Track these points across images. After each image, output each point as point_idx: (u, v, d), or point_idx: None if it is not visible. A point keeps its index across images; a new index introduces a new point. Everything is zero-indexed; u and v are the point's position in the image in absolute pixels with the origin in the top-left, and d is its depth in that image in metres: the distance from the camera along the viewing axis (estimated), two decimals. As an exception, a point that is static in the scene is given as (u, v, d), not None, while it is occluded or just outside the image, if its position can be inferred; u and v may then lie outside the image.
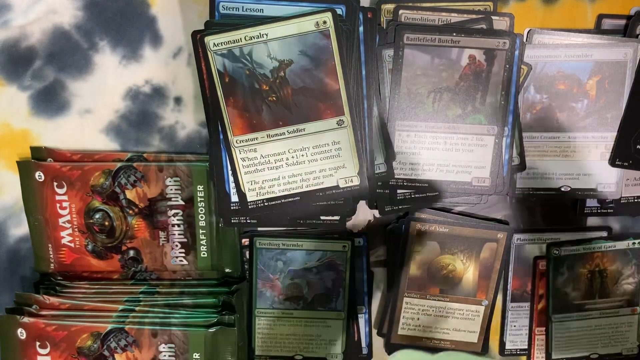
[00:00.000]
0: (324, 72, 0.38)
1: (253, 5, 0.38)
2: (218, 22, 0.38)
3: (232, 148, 0.38)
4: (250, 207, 0.39)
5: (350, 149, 0.38)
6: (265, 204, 0.39)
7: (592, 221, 0.44)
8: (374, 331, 0.44)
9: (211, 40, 0.37)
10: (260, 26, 0.37)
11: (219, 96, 0.38)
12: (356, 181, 0.39)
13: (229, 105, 0.38)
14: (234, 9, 0.38)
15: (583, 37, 0.41)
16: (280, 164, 0.38)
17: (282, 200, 0.39)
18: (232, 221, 0.40)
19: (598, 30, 0.42)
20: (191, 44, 0.38)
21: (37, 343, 0.39)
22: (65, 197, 0.41)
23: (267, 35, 0.37)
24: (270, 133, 0.38)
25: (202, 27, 0.38)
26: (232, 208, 0.39)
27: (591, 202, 0.43)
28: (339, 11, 0.37)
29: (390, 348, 0.44)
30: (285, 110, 0.38)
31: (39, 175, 0.40)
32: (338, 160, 0.39)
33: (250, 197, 0.39)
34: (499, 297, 0.44)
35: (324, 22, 0.37)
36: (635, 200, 0.43)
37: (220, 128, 0.38)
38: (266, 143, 0.38)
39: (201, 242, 0.42)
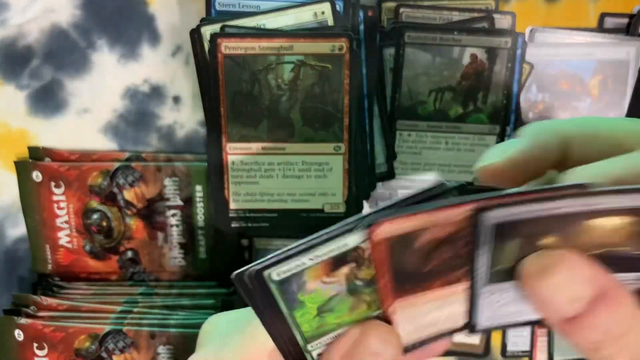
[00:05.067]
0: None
1: (249, 1, 0.38)
2: (214, 19, 0.37)
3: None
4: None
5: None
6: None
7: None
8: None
9: (207, 32, 0.37)
10: (258, 16, 0.37)
11: (219, 97, 0.37)
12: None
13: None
14: (230, 6, 0.38)
15: (585, 35, 0.40)
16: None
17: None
18: (232, 225, 0.40)
19: (600, 29, 0.41)
20: (189, 44, 0.37)
21: (35, 344, 0.38)
22: (62, 198, 0.40)
23: (264, 25, 0.37)
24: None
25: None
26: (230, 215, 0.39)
27: (594, 203, 0.43)
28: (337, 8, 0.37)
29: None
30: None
31: (37, 175, 0.40)
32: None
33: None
34: (501, 298, 0.44)
35: (322, 13, 0.37)
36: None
37: (216, 131, 0.38)
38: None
39: (200, 242, 0.41)
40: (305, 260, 0.19)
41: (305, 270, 0.20)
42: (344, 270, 0.20)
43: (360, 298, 0.21)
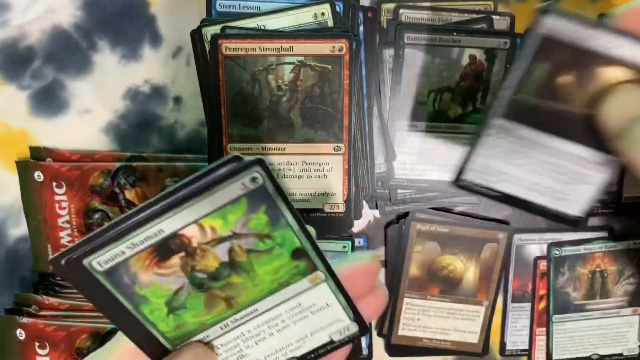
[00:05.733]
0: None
1: (250, 3, 0.38)
2: (214, 20, 0.37)
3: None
4: None
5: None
6: None
7: (593, 221, 0.44)
8: (374, 332, 0.44)
9: (208, 33, 0.37)
10: (258, 17, 0.37)
11: (219, 97, 0.37)
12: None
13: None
14: (231, 7, 0.38)
15: (584, 36, 0.41)
16: None
17: None
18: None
19: (599, 29, 0.42)
20: (190, 44, 0.37)
21: (37, 344, 0.39)
22: (64, 197, 0.40)
23: (264, 26, 0.37)
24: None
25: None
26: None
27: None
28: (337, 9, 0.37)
29: (391, 349, 0.44)
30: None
31: (38, 175, 0.40)
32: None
33: None
34: (500, 298, 0.44)
35: (322, 14, 0.37)
36: (637, 201, 0.43)
37: (216, 132, 0.38)
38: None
39: (201, 242, 0.41)
40: (123, 248, 0.18)
41: (129, 260, 0.19)
42: (175, 260, 0.19)
43: (213, 294, 0.20)
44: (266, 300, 0.21)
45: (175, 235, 0.18)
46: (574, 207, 0.30)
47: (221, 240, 0.19)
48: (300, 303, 0.21)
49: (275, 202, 0.19)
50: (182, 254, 0.19)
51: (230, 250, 0.19)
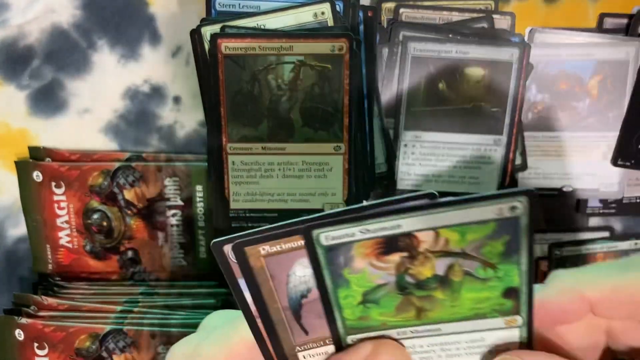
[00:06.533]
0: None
1: (249, 2, 0.38)
2: (214, 19, 0.37)
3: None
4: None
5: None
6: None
7: (594, 222, 0.44)
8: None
9: (208, 32, 0.37)
10: (258, 17, 0.37)
11: (219, 97, 0.37)
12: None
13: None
14: (231, 7, 0.38)
15: (585, 36, 0.40)
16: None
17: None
18: (233, 225, 0.40)
19: (600, 29, 0.41)
20: (190, 44, 0.37)
21: (35, 344, 0.39)
22: (63, 197, 0.40)
23: (264, 25, 0.37)
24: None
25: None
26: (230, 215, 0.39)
27: (593, 203, 0.43)
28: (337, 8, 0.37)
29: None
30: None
31: (37, 175, 0.40)
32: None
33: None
34: (500, 298, 0.44)
35: (322, 13, 0.37)
36: (638, 201, 0.43)
37: (216, 131, 0.38)
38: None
39: (200, 242, 0.41)
40: (355, 231, 0.18)
41: (354, 244, 0.19)
42: (395, 257, 0.19)
43: (409, 300, 0.20)
44: (454, 324, 0.20)
45: (408, 235, 0.18)
46: (487, 187, 0.38)
47: (448, 254, 0.19)
48: (484, 338, 0.21)
49: (519, 237, 0.18)
50: (405, 254, 0.19)
51: (450, 267, 0.19)
